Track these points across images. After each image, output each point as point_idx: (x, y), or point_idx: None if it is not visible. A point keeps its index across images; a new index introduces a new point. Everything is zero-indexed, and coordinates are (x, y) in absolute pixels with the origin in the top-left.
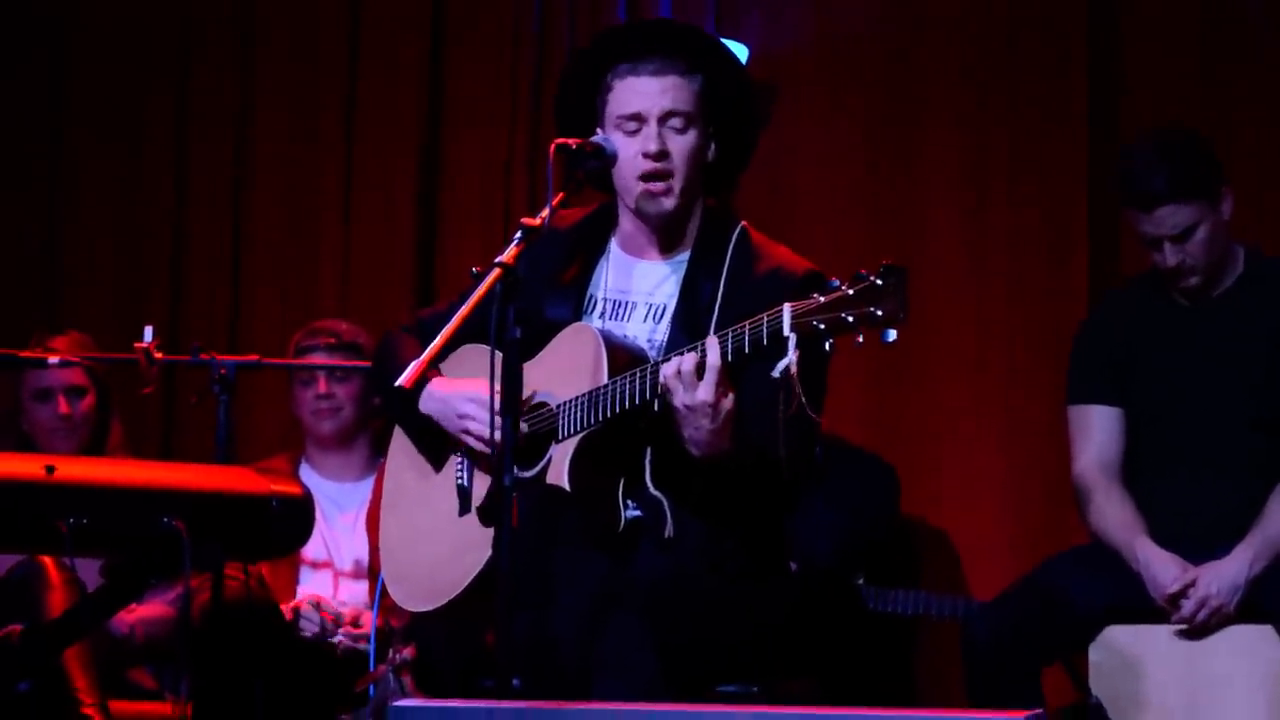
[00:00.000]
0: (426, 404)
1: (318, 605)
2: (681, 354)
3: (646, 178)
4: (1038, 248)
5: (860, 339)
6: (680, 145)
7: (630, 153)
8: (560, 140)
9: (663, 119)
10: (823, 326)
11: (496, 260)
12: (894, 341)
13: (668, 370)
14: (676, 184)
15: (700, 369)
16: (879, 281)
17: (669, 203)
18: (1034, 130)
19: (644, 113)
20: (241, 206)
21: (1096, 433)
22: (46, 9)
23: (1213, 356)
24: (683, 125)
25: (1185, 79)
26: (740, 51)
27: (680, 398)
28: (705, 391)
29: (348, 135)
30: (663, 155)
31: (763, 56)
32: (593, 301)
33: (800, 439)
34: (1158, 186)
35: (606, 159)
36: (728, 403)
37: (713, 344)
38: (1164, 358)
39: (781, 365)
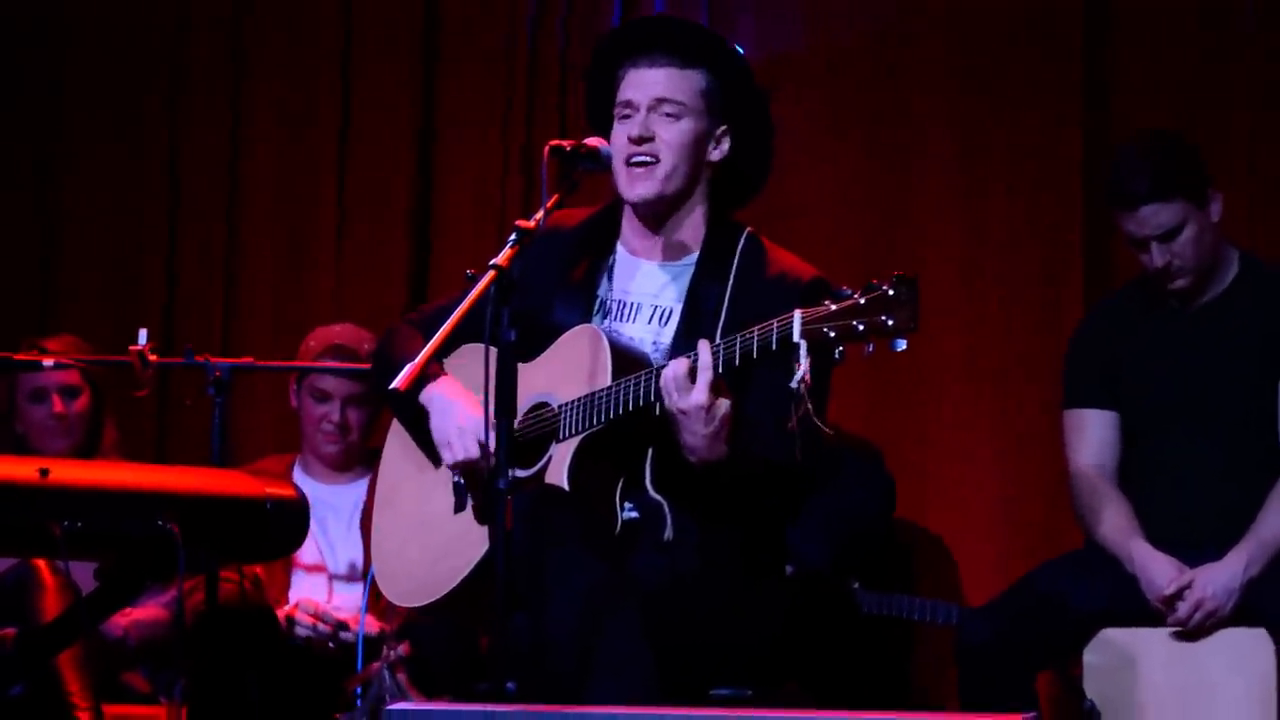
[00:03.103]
0: (429, 403)
1: (313, 611)
2: (677, 360)
3: (630, 162)
4: (1032, 255)
5: (870, 348)
6: (670, 131)
7: (620, 140)
8: (554, 142)
9: (653, 106)
10: (833, 334)
11: (491, 262)
12: (903, 350)
13: (665, 375)
14: (660, 170)
15: (692, 372)
16: (891, 291)
17: (649, 186)
18: (1029, 138)
19: (635, 100)
20: (236, 209)
21: (1092, 437)
22: (42, 12)
23: (1206, 360)
24: (675, 113)
25: (1181, 87)
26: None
27: (674, 402)
28: (699, 394)
29: (342, 137)
30: (644, 140)
31: (756, 63)
32: (600, 303)
33: (809, 448)
34: (1140, 186)
35: (601, 161)
36: (722, 406)
37: (704, 346)
38: (1158, 361)
39: (798, 376)
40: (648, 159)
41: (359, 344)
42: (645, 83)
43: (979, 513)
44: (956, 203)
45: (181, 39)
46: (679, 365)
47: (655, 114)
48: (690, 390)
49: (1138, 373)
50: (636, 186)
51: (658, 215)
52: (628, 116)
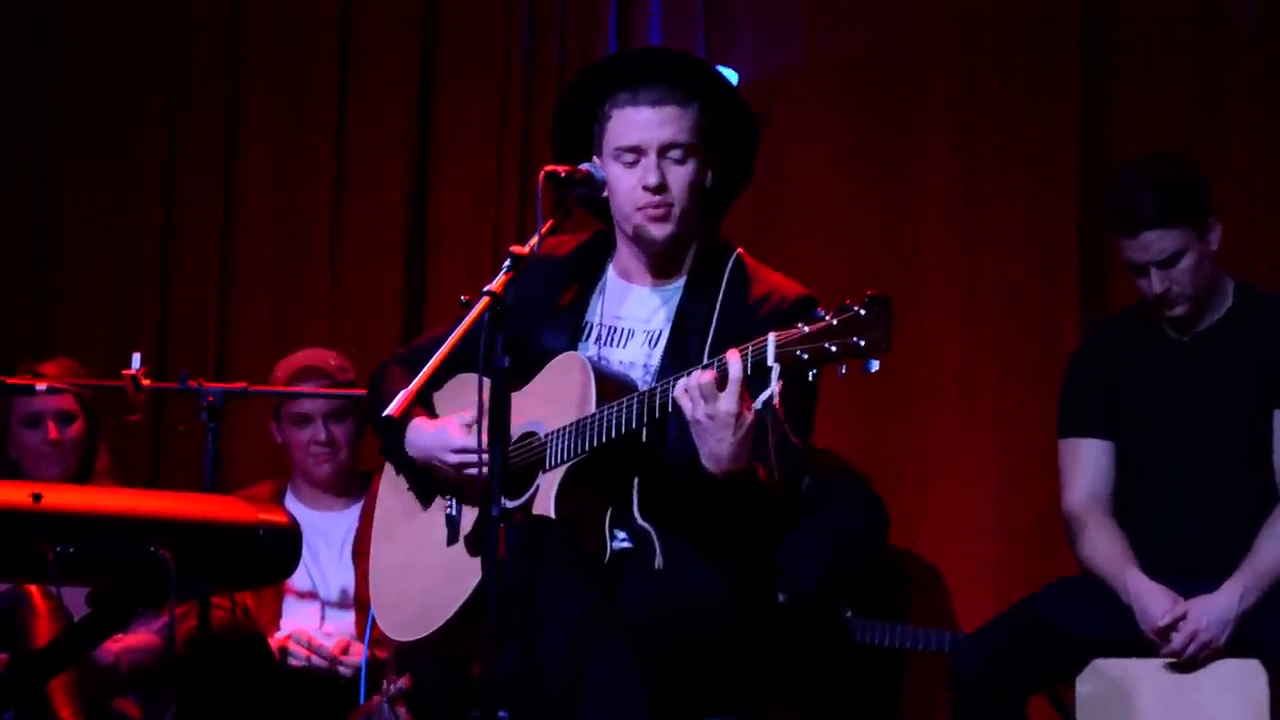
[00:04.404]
0: (414, 449)
1: (307, 644)
2: (691, 372)
3: (645, 208)
4: (1027, 276)
5: (844, 369)
6: (679, 176)
7: (629, 184)
8: (549, 168)
9: (662, 151)
10: (806, 357)
11: (485, 289)
12: (877, 371)
13: (686, 385)
14: (675, 212)
15: (722, 381)
16: (863, 312)
17: (668, 229)
18: (1025, 155)
19: (643, 145)
20: (230, 232)
21: (1087, 466)
22: (37, 28)
23: (1201, 390)
24: (682, 156)
25: (1179, 95)
26: (730, 79)
27: (702, 409)
28: (729, 402)
29: (337, 160)
30: (662, 188)
31: (753, 80)
32: (588, 328)
33: (787, 466)
34: (1143, 211)
35: (596, 186)
36: (750, 414)
37: (734, 356)
38: (1153, 391)
39: (764, 396)
40: (665, 205)
41: (325, 361)
42: (651, 124)
43: (973, 540)
44: (954, 208)
45: (177, 52)
46: (702, 375)
47: (664, 158)
48: (718, 398)
49: (1133, 401)
50: (654, 231)
51: (667, 250)
52: (634, 162)
